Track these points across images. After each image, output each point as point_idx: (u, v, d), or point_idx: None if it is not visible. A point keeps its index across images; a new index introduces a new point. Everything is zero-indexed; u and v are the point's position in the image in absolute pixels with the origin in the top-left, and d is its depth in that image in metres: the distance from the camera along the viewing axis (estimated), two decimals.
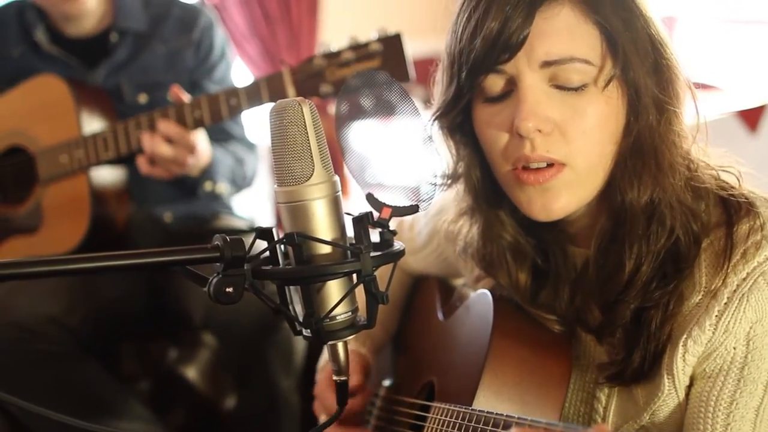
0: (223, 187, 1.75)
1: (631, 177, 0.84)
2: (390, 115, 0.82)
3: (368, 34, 1.49)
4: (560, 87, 0.83)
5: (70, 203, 1.67)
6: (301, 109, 0.75)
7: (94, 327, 1.61)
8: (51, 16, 1.80)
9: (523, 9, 0.81)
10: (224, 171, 1.74)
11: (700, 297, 0.83)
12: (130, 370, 1.72)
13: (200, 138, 1.61)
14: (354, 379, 1.08)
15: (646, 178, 0.84)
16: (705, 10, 3.68)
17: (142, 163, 1.58)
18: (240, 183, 1.83)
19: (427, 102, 1.53)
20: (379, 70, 1.43)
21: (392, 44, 1.46)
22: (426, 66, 1.45)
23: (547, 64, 0.82)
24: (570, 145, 0.83)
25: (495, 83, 0.85)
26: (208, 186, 1.73)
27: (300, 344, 1.65)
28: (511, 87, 0.84)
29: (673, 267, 0.84)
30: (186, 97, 1.56)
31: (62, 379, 1.51)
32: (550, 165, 0.84)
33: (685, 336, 0.83)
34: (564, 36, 0.82)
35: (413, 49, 1.53)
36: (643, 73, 0.83)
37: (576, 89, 0.82)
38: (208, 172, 1.69)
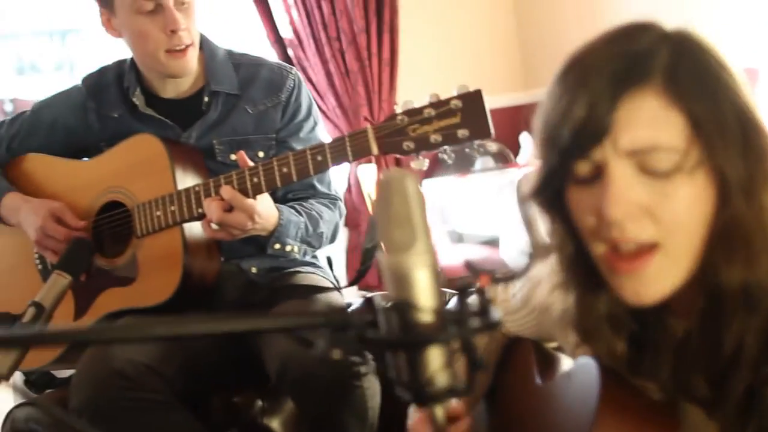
0: (292, 247, 1.80)
1: (722, 261, 0.84)
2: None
3: (442, 89, 1.52)
4: (647, 172, 0.84)
5: (164, 256, 1.75)
6: (405, 180, 0.79)
7: (187, 376, 1.67)
8: (147, 80, 1.91)
9: (608, 98, 0.83)
10: (294, 232, 1.79)
11: None
12: (217, 420, 1.76)
13: (265, 203, 1.67)
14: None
15: (737, 261, 0.83)
16: None
17: (204, 227, 1.65)
18: (314, 242, 1.87)
19: (501, 156, 1.55)
20: (460, 126, 1.47)
21: (472, 100, 1.49)
22: (499, 120, 1.48)
23: (632, 152, 0.83)
24: (660, 227, 0.84)
25: (583, 168, 0.86)
26: (276, 246, 1.78)
27: (374, 401, 1.67)
28: (599, 171, 0.86)
29: None
30: (250, 164, 1.63)
31: (159, 427, 1.57)
32: (641, 249, 0.84)
33: None
34: (649, 125, 0.83)
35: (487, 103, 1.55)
36: (729, 157, 0.82)
37: (663, 174, 0.83)
38: (276, 234, 1.75)
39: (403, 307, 0.78)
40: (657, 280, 0.86)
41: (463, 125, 1.47)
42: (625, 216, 0.83)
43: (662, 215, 0.83)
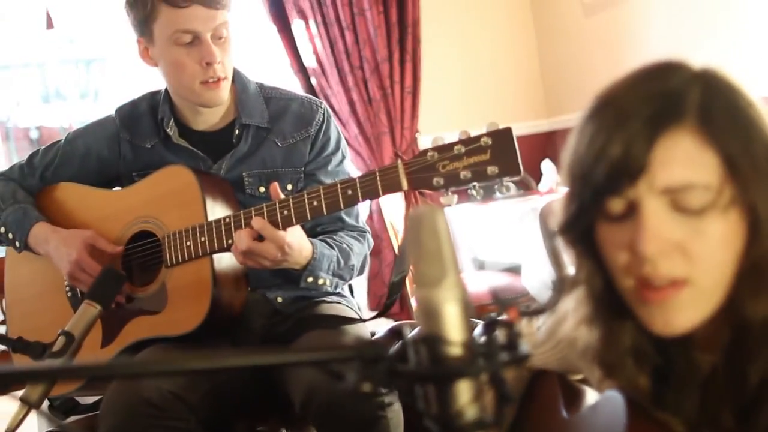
0: (325, 281, 1.82)
1: (750, 295, 0.85)
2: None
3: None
4: (681, 209, 0.85)
5: (192, 286, 1.77)
6: (435, 216, 0.81)
7: (212, 404, 1.68)
8: (181, 112, 1.95)
9: (644, 138, 0.85)
10: (327, 266, 1.81)
11: None
12: None
13: (296, 235, 1.69)
14: None
15: (764, 295, 0.85)
16: None
17: (235, 254, 1.68)
18: (345, 275, 1.88)
19: (522, 183, 1.56)
20: (490, 163, 1.48)
21: (502, 138, 1.50)
22: (520, 147, 1.48)
23: (667, 190, 0.85)
24: (692, 265, 0.85)
25: (616, 205, 0.88)
26: (309, 280, 1.80)
27: (396, 431, 1.67)
28: (632, 209, 0.87)
29: None
30: (281, 196, 1.66)
31: None
32: (671, 283, 0.86)
33: None
34: (684, 163, 0.85)
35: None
36: (762, 194, 0.85)
37: (696, 211, 0.85)
38: (309, 268, 1.77)
39: (433, 340, 0.79)
40: (686, 310, 0.87)
41: (493, 162, 1.49)
42: (659, 253, 0.85)
43: (694, 252, 0.85)
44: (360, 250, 1.91)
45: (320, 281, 1.80)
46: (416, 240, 0.81)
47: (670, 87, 0.87)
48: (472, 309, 0.81)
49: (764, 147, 0.86)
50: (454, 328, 0.80)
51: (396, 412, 1.64)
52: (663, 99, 0.86)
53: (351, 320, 1.83)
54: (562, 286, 0.98)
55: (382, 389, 1.39)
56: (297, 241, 1.70)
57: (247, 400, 1.81)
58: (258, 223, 1.64)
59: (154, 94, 2.02)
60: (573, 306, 1.01)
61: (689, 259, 0.85)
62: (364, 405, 1.61)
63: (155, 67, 1.90)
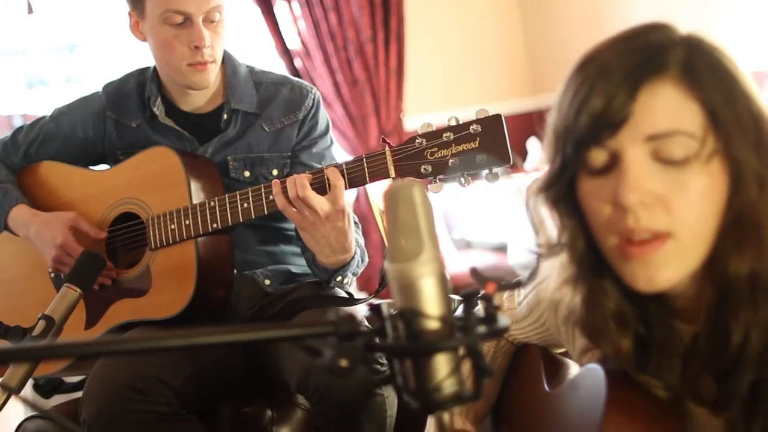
0: (349, 280, 1.78)
1: (733, 249, 0.85)
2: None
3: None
4: (663, 160, 0.85)
5: (177, 269, 1.75)
6: (412, 190, 0.80)
7: (196, 387, 1.68)
8: (168, 91, 1.92)
9: (626, 88, 0.85)
10: (354, 265, 1.75)
11: None
12: (227, 431, 1.77)
13: (352, 226, 1.63)
14: None
15: (747, 250, 0.85)
16: None
17: (279, 198, 1.61)
18: (359, 271, 1.82)
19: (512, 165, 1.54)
20: (479, 151, 1.47)
21: (492, 125, 1.49)
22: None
23: (651, 138, 0.85)
24: (674, 217, 0.85)
25: (598, 157, 0.87)
26: (338, 278, 1.75)
27: (392, 410, 1.67)
28: (615, 161, 0.87)
29: None
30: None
31: None
32: (654, 237, 0.85)
33: None
34: (668, 112, 0.85)
35: (494, 110, 1.55)
36: (744, 148, 0.85)
37: (679, 162, 0.84)
38: (345, 268, 1.71)
39: (410, 315, 0.79)
40: (669, 265, 0.86)
41: (482, 150, 1.47)
42: (640, 203, 0.84)
43: (676, 205, 0.85)
44: (362, 242, 1.86)
45: (346, 280, 1.76)
46: (393, 213, 0.80)
47: (654, 42, 0.87)
48: (450, 284, 0.80)
49: (746, 101, 0.86)
50: (431, 303, 0.79)
51: (391, 391, 1.63)
52: (646, 52, 0.86)
53: (342, 300, 1.82)
54: (542, 254, 0.97)
55: (378, 367, 1.41)
56: (349, 225, 1.63)
57: (232, 382, 1.79)
58: (337, 177, 1.57)
59: (142, 71, 1.98)
60: (556, 270, 1.00)
61: (671, 212, 0.85)
62: (360, 384, 1.59)
63: (144, 42, 1.87)
